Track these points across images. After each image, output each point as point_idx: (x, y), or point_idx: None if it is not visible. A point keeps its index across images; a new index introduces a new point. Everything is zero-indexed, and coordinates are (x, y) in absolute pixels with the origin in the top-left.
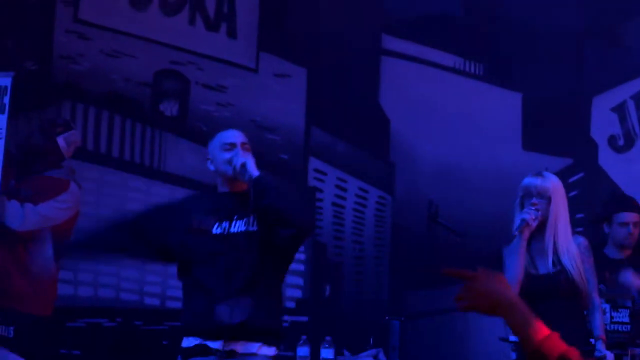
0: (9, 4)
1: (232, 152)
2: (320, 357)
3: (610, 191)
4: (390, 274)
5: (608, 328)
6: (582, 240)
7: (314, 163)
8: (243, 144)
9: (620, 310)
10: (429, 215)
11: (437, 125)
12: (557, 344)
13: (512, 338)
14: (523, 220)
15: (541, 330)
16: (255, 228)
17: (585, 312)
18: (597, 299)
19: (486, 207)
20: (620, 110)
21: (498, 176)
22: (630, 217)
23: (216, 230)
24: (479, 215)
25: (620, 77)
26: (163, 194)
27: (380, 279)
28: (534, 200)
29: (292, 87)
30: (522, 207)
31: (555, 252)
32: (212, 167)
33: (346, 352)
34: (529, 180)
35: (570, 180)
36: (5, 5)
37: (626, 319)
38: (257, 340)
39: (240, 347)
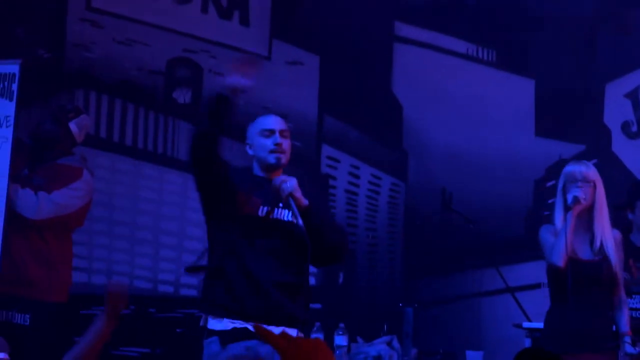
0: None
1: (271, 139)
2: (334, 344)
3: (624, 178)
4: (404, 261)
5: None
6: (617, 234)
7: (326, 150)
8: (282, 131)
9: (634, 296)
10: (442, 202)
11: (450, 112)
12: None
13: (526, 324)
14: (575, 197)
15: None
16: (301, 223)
17: None
18: (624, 294)
19: (499, 193)
20: (633, 96)
21: (511, 163)
22: None
23: (262, 213)
24: (492, 202)
25: (633, 64)
26: (176, 181)
27: (394, 266)
28: (580, 184)
29: (305, 75)
30: (565, 192)
31: (595, 240)
32: (250, 152)
33: (360, 339)
34: (572, 167)
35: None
36: None
37: (638, 305)
38: (296, 327)
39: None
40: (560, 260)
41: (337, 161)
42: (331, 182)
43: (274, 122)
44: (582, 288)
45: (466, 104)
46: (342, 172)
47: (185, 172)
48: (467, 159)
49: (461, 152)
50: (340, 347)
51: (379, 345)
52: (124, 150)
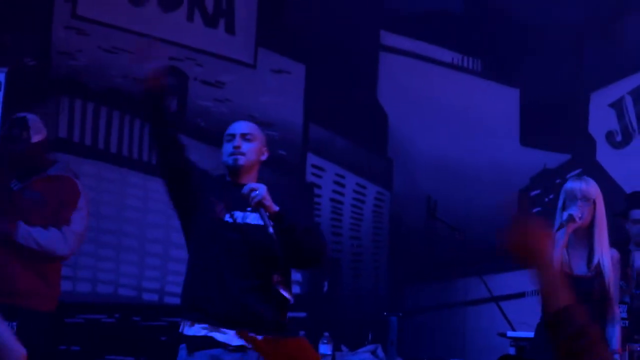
0: (7, 0)
1: (232, 143)
2: (319, 353)
3: (608, 187)
4: (389, 270)
5: None
6: (615, 253)
7: (311, 159)
8: (243, 134)
9: (619, 305)
10: (427, 210)
11: (435, 121)
12: (579, 316)
13: (510, 333)
14: (570, 216)
15: (567, 299)
16: (271, 230)
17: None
18: (617, 311)
19: (484, 202)
20: (618, 106)
21: (496, 172)
22: None
23: (228, 218)
24: (477, 210)
25: (618, 73)
26: (162, 189)
27: (379, 274)
28: (579, 202)
29: (290, 83)
30: (564, 209)
31: (592, 256)
32: (223, 158)
33: (344, 348)
34: (573, 184)
35: (568, 176)
36: (4, 1)
37: (624, 315)
38: (270, 330)
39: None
40: None
41: (323, 170)
42: (316, 190)
43: (237, 126)
44: None
45: (451, 113)
46: (327, 180)
47: None
48: (452, 167)
49: (446, 161)
50: (324, 355)
51: (364, 354)
52: (110, 158)
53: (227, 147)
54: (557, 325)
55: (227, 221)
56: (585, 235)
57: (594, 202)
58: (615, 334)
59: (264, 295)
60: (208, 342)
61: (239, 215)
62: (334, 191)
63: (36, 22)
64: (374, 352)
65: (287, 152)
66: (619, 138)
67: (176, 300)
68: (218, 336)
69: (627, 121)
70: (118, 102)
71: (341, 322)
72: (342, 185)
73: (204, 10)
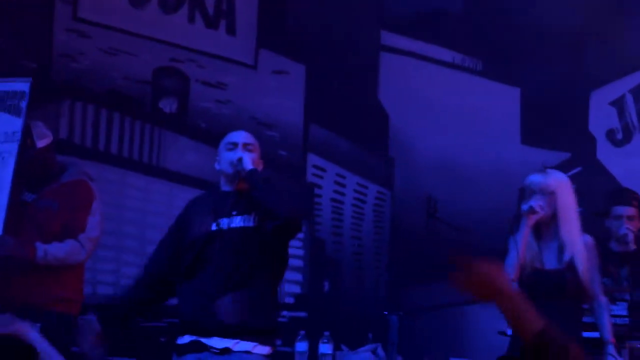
0: (8, 3)
1: (234, 152)
2: (319, 353)
3: (608, 185)
4: (389, 270)
5: None
6: (589, 239)
7: (312, 159)
8: (245, 144)
9: (618, 303)
10: (427, 210)
11: (436, 120)
12: (556, 337)
13: (510, 332)
14: (531, 207)
15: (539, 322)
16: (252, 224)
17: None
18: (603, 298)
19: (485, 202)
20: (618, 104)
21: (497, 171)
22: (623, 210)
23: (213, 227)
24: (478, 210)
25: (618, 71)
26: (162, 191)
27: (379, 274)
28: (537, 195)
29: (291, 84)
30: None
31: (563, 248)
32: (217, 167)
33: (344, 348)
34: (530, 178)
35: (569, 174)
36: (4, 4)
37: (624, 312)
38: (252, 340)
39: (235, 345)
40: (512, 271)
41: (323, 170)
42: (317, 191)
43: (238, 135)
44: (545, 297)
45: (452, 112)
46: (328, 181)
47: (171, 182)
48: (453, 167)
49: (447, 161)
50: (325, 355)
51: (364, 354)
52: (110, 159)
53: (229, 156)
54: (538, 349)
55: (210, 231)
56: (553, 227)
57: (554, 194)
58: (606, 325)
59: (252, 301)
60: (195, 346)
61: (224, 222)
62: (335, 191)
63: (37, 25)
64: (374, 352)
65: (288, 152)
66: (619, 136)
67: (175, 302)
68: (205, 340)
69: (627, 119)
70: (119, 104)
71: (341, 321)
72: (343, 186)
73: (204, 11)
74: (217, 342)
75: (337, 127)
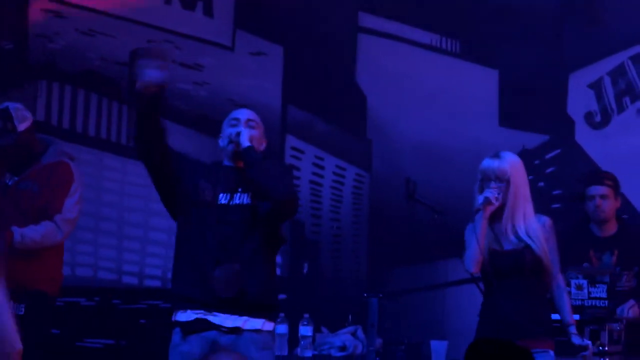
0: None
1: (236, 128)
2: (299, 335)
3: (586, 168)
4: (369, 251)
5: (586, 304)
6: (546, 220)
7: (290, 141)
8: (247, 120)
9: (598, 285)
10: (406, 192)
11: (414, 102)
12: None
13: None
14: (486, 199)
15: None
16: (251, 202)
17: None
18: (562, 281)
19: (463, 183)
20: (596, 86)
21: (475, 153)
22: (596, 190)
23: (220, 201)
24: (456, 192)
25: (596, 54)
26: (139, 172)
27: (359, 256)
28: (492, 184)
29: (269, 65)
30: (482, 190)
31: (515, 232)
32: (220, 143)
33: (324, 329)
34: (486, 163)
35: (547, 156)
36: None
37: (604, 294)
38: (260, 317)
39: (245, 324)
40: (472, 266)
41: (302, 152)
42: (295, 172)
43: (241, 112)
44: (506, 278)
45: (430, 94)
46: (306, 162)
47: None
48: (431, 149)
49: (425, 142)
50: (304, 337)
51: (344, 336)
52: (87, 141)
53: (231, 131)
54: None
55: (216, 204)
56: (509, 210)
57: (509, 179)
58: (566, 306)
59: (252, 277)
60: (202, 325)
61: (227, 197)
62: (314, 173)
63: (12, 5)
64: (354, 334)
65: (266, 134)
66: (598, 119)
67: (156, 283)
68: (212, 319)
69: (606, 102)
70: (96, 85)
71: (321, 303)
72: (322, 168)
73: None
74: (225, 320)
75: (315, 108)
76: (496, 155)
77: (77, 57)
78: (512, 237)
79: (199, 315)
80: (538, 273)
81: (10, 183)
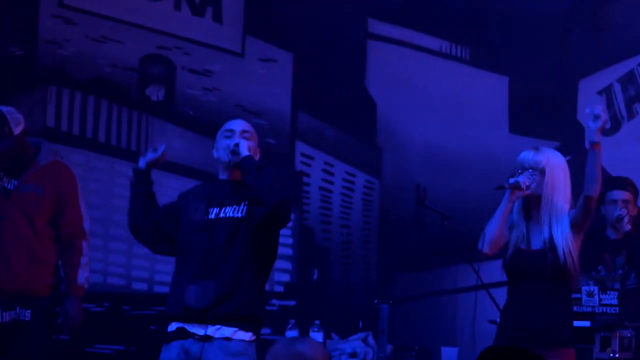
0: None
1: (232, 139)
2: None
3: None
4: (379, 258)
5: (597, 310)
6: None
7: (300, 147)
8: (242, 131)
9: (609, 292)
10: (416, 198)
11: (424, 108)
12: None
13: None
14: (516, 182)
15: None
16: (240, 215)
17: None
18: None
19: (473, 190)
20: (606, 93)
21: (485, 159)
22: (619, 194)
23: (202, 216)
24: (466, 198)
25: (606, 60)
26: None
27: (369, 262)
28: (527, 173)
29: (278, 72)
30: None
31: (550, 228)
32: (215, 154)
33: (335, 336)
34: (523, 154)
35: None
36: None
37: (615, 301)
38: (232, 325)
39: (216, 332)
40: (485, 245)
41: (311, 158)
42: (305, 179)
43: (235, 123)
44: (528, 278)
45: (440, 101)
46: (316, 169)
47: (159, 170)
48: (441, 156)
49: (435, 149)
50: None
51: (354, 342)
52: (98, 147)
53: (226, 143)
54: None
55: (204, 220)
56: (540, 206)
57: (544, 172)
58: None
59: (235, 287)
60: (181, 333)
61: (216, 211)
62: (323, 180)
63: (23, 12)
64: (364, 340)
65: (276, 140)
66: (607, 125)
67: (166, 289)
68: (189, 327)
69: (615, 108)
70: (106, 91)
71: (332, 310)
72: (331, 174)
73: None
74: (198, 329)
75: (325, 115)
76: (535, 148)
77: (87, 63)
78: (545, 233)
79: (179, 325)
80: (559, 276)
81: (10, 187)
